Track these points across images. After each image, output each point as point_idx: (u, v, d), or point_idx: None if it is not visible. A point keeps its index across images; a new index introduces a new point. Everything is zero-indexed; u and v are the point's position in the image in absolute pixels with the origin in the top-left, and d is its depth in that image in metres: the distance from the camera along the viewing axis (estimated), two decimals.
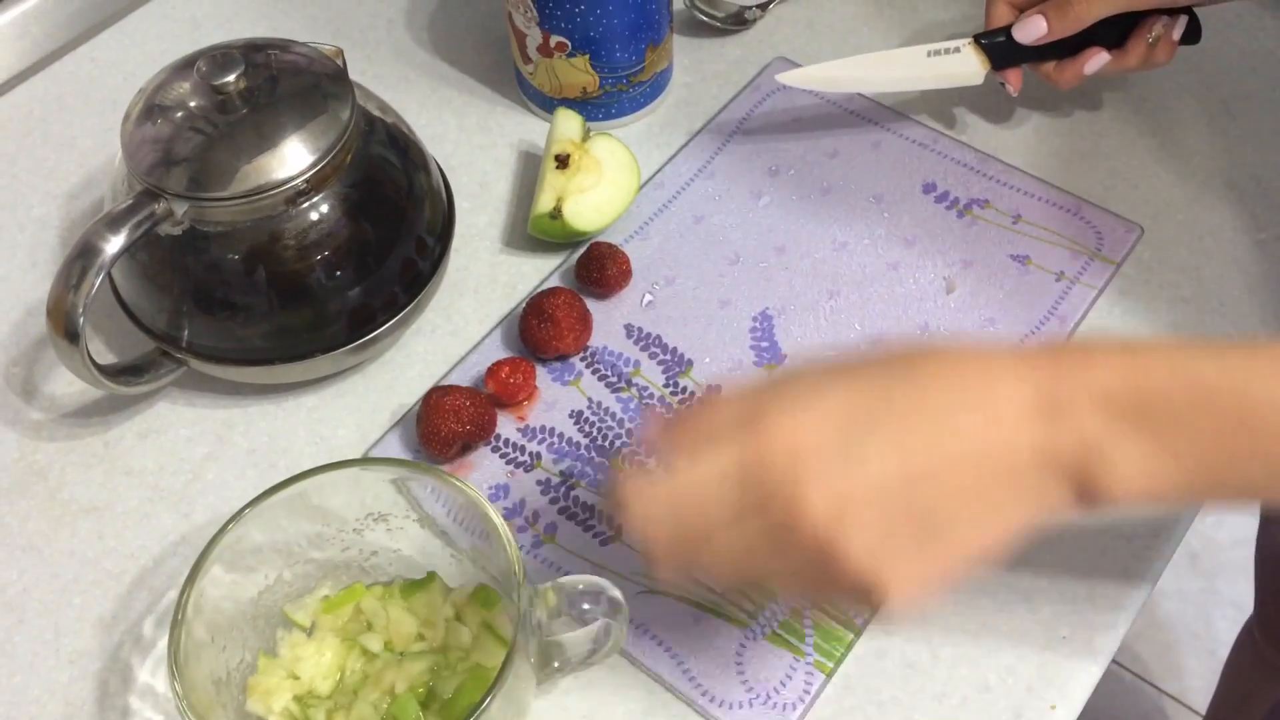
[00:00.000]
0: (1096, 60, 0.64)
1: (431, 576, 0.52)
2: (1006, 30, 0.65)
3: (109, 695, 0.53)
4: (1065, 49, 0.64)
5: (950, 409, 0.41)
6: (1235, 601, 1.42)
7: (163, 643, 0.53)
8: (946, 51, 0.64)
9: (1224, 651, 1.05)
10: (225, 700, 0.48)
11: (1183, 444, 0.41)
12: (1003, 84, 0.67)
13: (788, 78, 0.66)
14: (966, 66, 0.65)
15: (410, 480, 0.50)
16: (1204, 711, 1.20)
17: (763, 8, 0.78)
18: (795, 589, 0.47)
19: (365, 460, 0.58)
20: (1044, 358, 0.42)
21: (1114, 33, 0.64)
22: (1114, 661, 0.85)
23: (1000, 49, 0.65)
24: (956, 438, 0.41)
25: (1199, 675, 1.38)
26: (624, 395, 0.61)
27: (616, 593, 0.47)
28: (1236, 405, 0.41)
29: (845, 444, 0.40)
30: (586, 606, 0.47)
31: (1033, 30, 0.63)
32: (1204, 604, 1.44)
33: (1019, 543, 0.43)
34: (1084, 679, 0.52)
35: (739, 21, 0.77)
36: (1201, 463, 0.41)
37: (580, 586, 0.47)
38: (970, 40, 0.65)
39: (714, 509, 0.41)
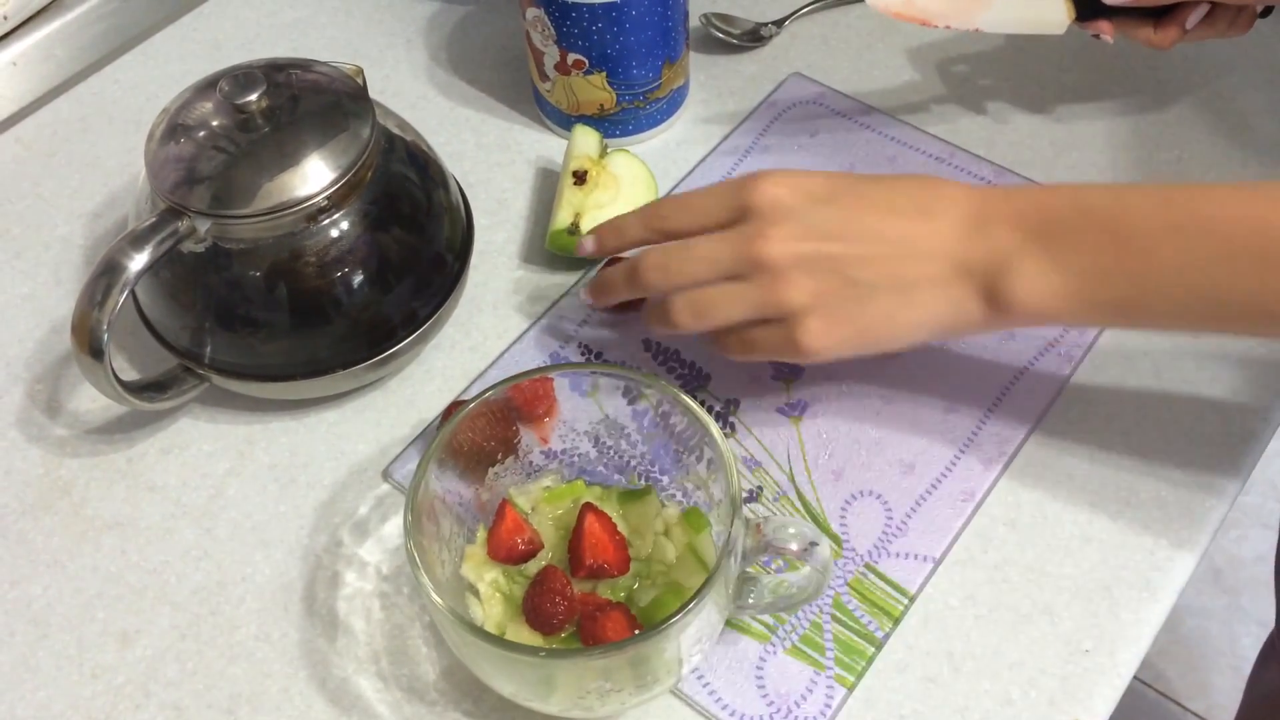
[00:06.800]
0: (1197, 14, 0.62)
1: (648, 489, 0.54)
2: None
3: (132, 710, 0.53)
4: (1150, 9, 0.62)
5: (900, 209, 0.51)
6: (1260, 618, 1.41)
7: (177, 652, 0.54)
8: None
9: (1249, 668, 1.04)
10: (444, 558, 0.50)
11: (1069, 258, 0.48)
12: (1096, 36, 0.64)
13: (877, 2, 0.63)
14: (1054, 13, 0.62)
15: (640, 394, 0.52)
16: None
17: (779, 24, 0.78)
18: (740, 308, 0.53)
19: (598, 365, 0.61)
20: (986, 188, 0.52)
21: None
22: (1138, 679, 0.84)
23: None
24: (896, 230, 0.51)
25: (1224, 693, 1.37)
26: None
27: (825, 543, 0.47)
28: (1111, 222, 0.48)
29: (811, 205, 0.51)
30: (794, 547, 0.47)
31: None
32: (1228, 620, 1.42)
33: (935, 340, 0.54)
34: (1108, 693, 0.51)
35: (755, 38, 0.78)
36: (1082, 277, 0.48)
37: (790, 529, 0.47)
38: None
39: (700, 222, 0.54)
